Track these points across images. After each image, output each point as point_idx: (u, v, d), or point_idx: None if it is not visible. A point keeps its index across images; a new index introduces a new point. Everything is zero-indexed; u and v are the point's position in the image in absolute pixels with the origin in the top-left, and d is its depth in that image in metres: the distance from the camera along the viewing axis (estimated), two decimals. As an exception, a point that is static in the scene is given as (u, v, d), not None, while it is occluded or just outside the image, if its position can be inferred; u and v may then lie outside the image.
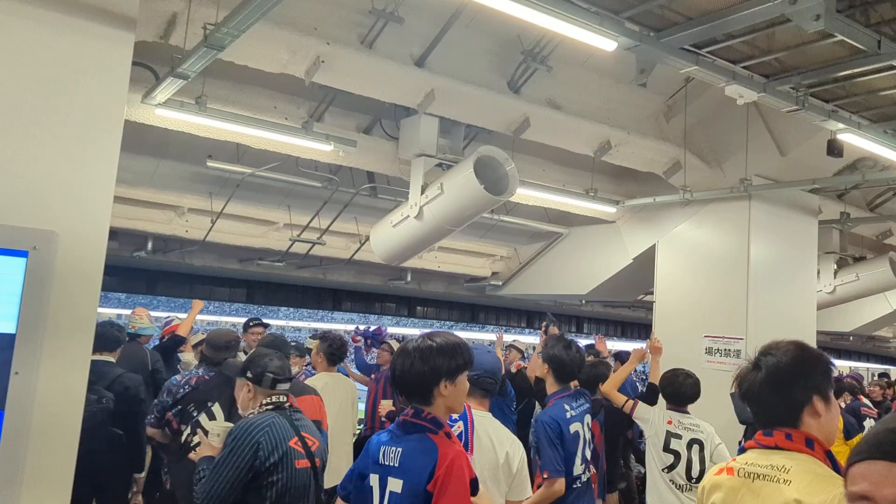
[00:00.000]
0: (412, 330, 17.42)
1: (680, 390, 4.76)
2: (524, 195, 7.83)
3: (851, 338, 17.70)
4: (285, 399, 2.96)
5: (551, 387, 3.95)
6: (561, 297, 10.40)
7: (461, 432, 2.95)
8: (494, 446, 2.97)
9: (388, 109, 6.88)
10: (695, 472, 4.56)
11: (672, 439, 4.50)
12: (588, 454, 3.91)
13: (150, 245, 8.34)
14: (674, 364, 7.58)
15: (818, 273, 11.40)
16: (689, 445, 4.52)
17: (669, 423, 4.54)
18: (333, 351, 5.48)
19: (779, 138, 7.27)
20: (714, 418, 6.67)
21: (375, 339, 7.62)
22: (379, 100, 6.40)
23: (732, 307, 7.48)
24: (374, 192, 7.77)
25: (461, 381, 2.41)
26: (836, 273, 11.45)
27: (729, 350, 7.42)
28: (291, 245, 8.34)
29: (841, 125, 4.70)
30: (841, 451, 6.18)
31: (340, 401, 5.49)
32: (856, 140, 4.99)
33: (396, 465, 2.25)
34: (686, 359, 7.59)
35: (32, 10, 3.73)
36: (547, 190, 7.78)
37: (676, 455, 4.48)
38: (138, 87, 5.45)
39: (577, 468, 3.76)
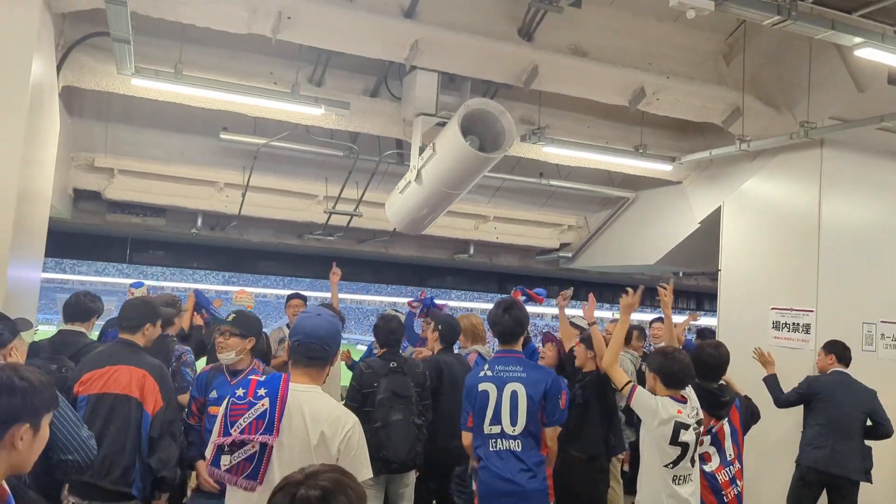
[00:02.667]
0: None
1: (676, 368, 3.89)
2: (556, 154, 7.16)
3: None
4: None
5: (498, 348, 4.13)
6: (631, 268, 9.50)
7: (264, 410, 2.56)
8: (307, 425, 2.57)
9: (393, 69, 6.48)
10: (696, 455, 3.82)
11: (681, 430, 3.73)
12: (507, 419, 3.84)
13: (199, 221, 8.50)
14: (740, 341, 6.73)
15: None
16: (696, 431, 3.77)
17: (679, 412, 3.76)
18: None
19: (856, 73, 6.06)
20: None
21: (434, 305, 7.24)
22: (380, 59, 6.08)
23: (802, 275, 6.39)
24: (401, 158, 7.40)
25: None
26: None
27: (798, 324, 6.37)
28: (329, 217, 8.18)
29: (858, 39, 3.69)
30: None
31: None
32: (884, 57, 3.93)
33: None
34: (752, 334, 6.66)
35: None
36: (583, 147, 7.03)
37: (684, 447, 3.73)
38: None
39: (486, 428, 3.86)
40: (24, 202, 4.14)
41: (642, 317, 13.14)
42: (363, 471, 2.63)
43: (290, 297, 7.21)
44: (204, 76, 5.76)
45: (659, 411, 3.66)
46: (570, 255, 9.93)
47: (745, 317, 6.90)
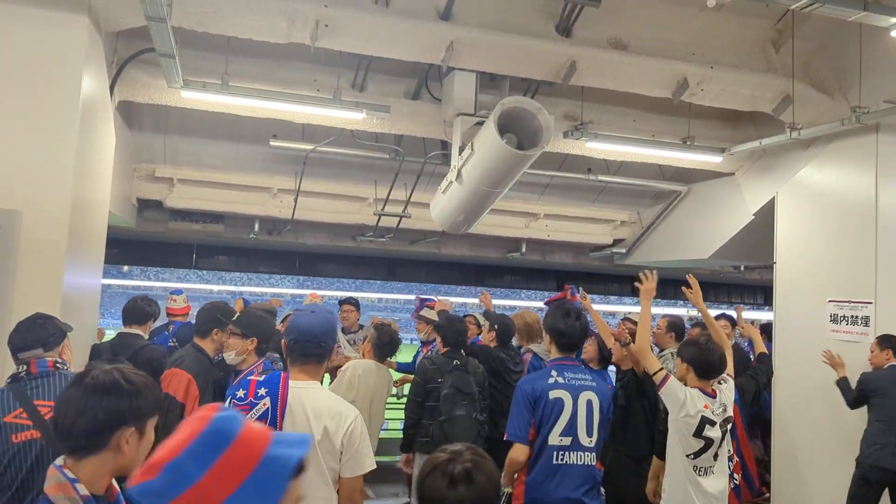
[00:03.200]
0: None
1: (710, 359, 3.86)
2: (600, 149, 7.10)
3: None
4: (24, 368, 2.84)
5: (553, 354, 3.89)
6: (686, 262, 9.29)
7: (266, 410, 2.64)
8: (310, 422, 2.65)
9: (433, 71, 6.56)
10: (723, 451, 3.82)
11: (707, 426, 3.73)
12: (583, 430, 3.64)
13: (256, 226, 8.76)
14: (797, 335, 6.56)
15: None
16: (723, 428, 3.76)
17: (706, 407, 3.76)
18: (381, 344, 4.96)
19: (913, 53, 5.81)
20: (839, 397, 5.61)
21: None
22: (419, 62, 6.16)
23: (860, 265, 6.16)
24: (446, 159, 7.46)
25: None
26: None
27: (856, 317, 6.14)
28: (379, 219, 8.32)
29: (894, 19, 3.55)
30: None
31: (372, 389, 4.78)
32: (924, 35, 3.77)
33: None
34: (809, 327, 6.48)
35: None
36: (627, 141, 6.95)
37: (708, 441, 3.74)
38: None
39: (556, 438, 3.59)
40: (78, 211, 4.39)
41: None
42: (366, 462, 2.70)
43: (342, 303, 7.32)
44: (250, 86, 5.96)
45: (686, 404, 3.69)
46: (623, 250, 9.81)
47: (801, 310, 6.70)
